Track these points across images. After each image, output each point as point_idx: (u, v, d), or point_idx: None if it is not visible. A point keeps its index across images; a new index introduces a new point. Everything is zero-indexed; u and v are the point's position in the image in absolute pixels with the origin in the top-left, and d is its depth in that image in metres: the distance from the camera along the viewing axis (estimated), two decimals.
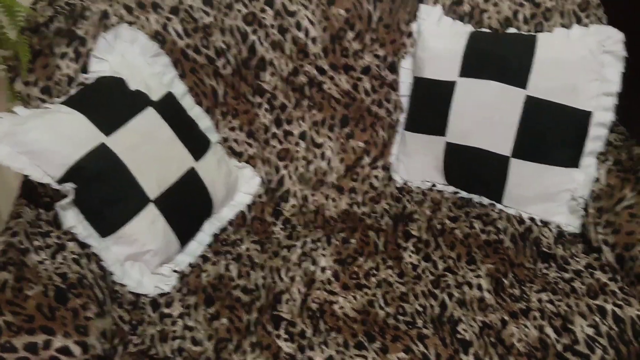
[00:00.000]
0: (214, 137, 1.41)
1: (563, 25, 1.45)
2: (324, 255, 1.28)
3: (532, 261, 1.25)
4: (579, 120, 1.30)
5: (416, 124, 1.48)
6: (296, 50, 1.45)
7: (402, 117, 1.53)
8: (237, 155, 1.47)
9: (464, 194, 1.46)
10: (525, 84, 1.31)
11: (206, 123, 1.40)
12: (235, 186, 1.43)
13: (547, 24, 1.45)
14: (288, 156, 1.48)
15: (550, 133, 1.31)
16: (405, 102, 1.52)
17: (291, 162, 1.48)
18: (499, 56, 1.34)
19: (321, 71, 1.47)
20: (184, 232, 1.29)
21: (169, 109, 1.31)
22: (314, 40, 1.45)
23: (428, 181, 1.50)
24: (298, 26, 1.43)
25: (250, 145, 1.47)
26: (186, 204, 1.28)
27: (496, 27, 1.47)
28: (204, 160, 1.32)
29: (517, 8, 1.46)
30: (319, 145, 1.49)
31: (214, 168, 1.35)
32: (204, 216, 1.35)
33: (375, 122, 1.52)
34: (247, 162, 1.47)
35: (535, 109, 1.31)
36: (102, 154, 1.15)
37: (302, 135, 1.49)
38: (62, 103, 1.19)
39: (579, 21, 1.45)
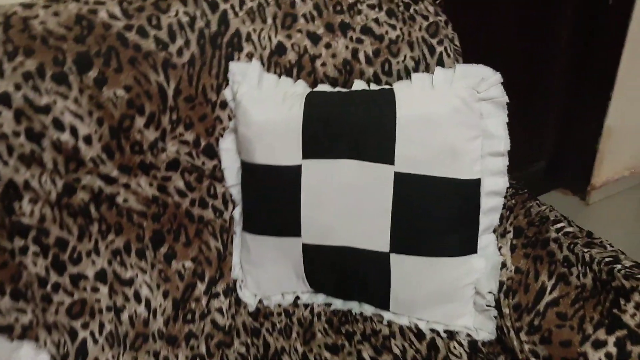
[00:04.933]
0: None
1: (414, 60, 1.14)
2: None
3: None
4: (466, 192, 0.99)
5: (257, 224, 1.08)
6: (63, 159, 0.97)
7: (238, 213, 1.13)
8: (4, 330, 0.97)
9: (338, 303, 1.10)
10: (391, 157, 0.97)
11: None
12: None
13: (395, 60, 1.13)
14: (86, 310, 1.02)
15: (433, 215, 0.99)
16: (236, 193, 1.12)
17: (92, 317, 1.02)
18: (351, 124, 0.98)
19: (108, 180, 1.01)
20: None
21: None
22: (87, 139, 0.98)
23: (288, 292, 1.12)
24: (58, 125, 0.95)
25: (22, 310, 0.98)
26: None
27: (334, 76, 1.11)
28: None
29: (355, 46, 1.11)
30: (128, 282, 1.04)
31: None
32: None
33: (201, 229, 1.10)
34: (22, 337, 0.98)
35: (409, 189, 0.97)
36: None
37: (101, 275, 1.03)
38: None
39: (431, 51, 1.15)
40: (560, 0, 1.81)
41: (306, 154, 1.00)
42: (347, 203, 1.00)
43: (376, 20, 1.12)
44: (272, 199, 1.04)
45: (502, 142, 0.98)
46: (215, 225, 1.11)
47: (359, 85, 1.06)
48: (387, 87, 1.01)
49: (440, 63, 1.15)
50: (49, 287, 1.00)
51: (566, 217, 1.05)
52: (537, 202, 1.10)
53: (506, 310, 0.98)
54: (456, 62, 1.17)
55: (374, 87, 1.05)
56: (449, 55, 1.16)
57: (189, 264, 1.08)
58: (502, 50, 1.81)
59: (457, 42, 1.20)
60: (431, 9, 1.18)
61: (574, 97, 1.96)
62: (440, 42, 1.15)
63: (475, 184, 0.99)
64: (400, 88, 0.99)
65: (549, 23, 1.84)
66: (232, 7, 1.05)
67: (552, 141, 2.06)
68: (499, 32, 1.80)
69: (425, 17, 1.16)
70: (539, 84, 1.93)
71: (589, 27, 1.84)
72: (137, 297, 1.04)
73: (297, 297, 1.11)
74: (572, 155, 2.07)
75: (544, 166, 2.11)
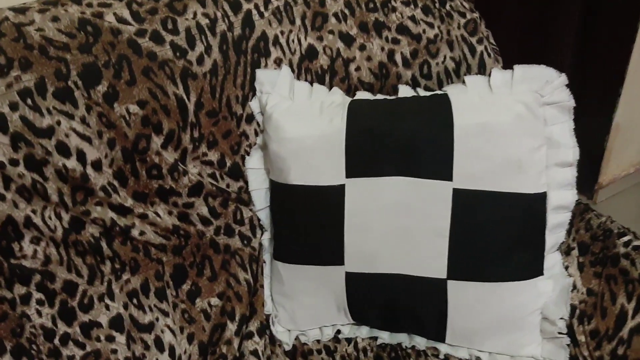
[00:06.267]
0: None
1: (454, 60, 1.03)
2: None
3: None
4: (532, 208, 0.88)
5: (291, 251, 0.96)
6: (69, 189, 0.83)
7: (266, 239, 1.00)
8: None
9: (385, 336, 0.98)
10: (449, 172, 0.86)
11: None
12: None
13: (435, 61, 1.02)
14: None
15: (496, 235, 0.88)
16: (265, 217, 0.99)
17: None
18: (402, 137, 0.86)
19: (122, 210, 0.87)
20: None
21: None
22: (97, 165, 0.84)
23: (327, 325, 1.00)
24: (63, 150, 0.81)
25: None
26: None
27: (370, 82, 0.99)
28: None
29: (392, 47, 1.00)
30: (148, 328, 0.90)
31: None
32: None
33: (228, 259, 0.96)
34: None
35: (469, 207, 0.86)
36: None
37: (116, 322, 0.88)
38: None
39: (472, 51, 1.04)
40: None
41: (350, 172, 0.88)
42: (397, 226, 0.89)
43: (412, 18, 1.01)
44: (310, 224, 0.92)
45: (571, 151, 0.89)
46: (243, 255, 0.98)
47: (405, 91, 0.95)
48: (440, 92, 0.90)
49: (482, 63, 1.05)
50: (56, 340, 0.85)
51: (629, 229, 0.97)
52: (595, 212, 1.01)
53: (581, 338, 0.88)
54: (496, 62, 1.07)
55: (422, 92, 0.94)
56: (489, 55, 1.06)
57: (215, 301, 0.95)
58: (506, 46, 1.73)
59: (492, 40, 1.10)
60: (466, 4, 1.07)
61: (581, 95, 1.89)
62: (480, 41, 1.05)
63: (541, 198, 0.88)
64: (455, 93, 0.88)
65: (555, 17, 1.76)
66: (257, 6, 0.92)
67: None
68: (503, 27, 1.71)
69: (462, 14, 1.06)
70: None
71: (597, 21, 1.76)
72: (159, 343, 0.90)
73: (338, 331, 0.99)
74: (579, 154, 2.00)
75: None
